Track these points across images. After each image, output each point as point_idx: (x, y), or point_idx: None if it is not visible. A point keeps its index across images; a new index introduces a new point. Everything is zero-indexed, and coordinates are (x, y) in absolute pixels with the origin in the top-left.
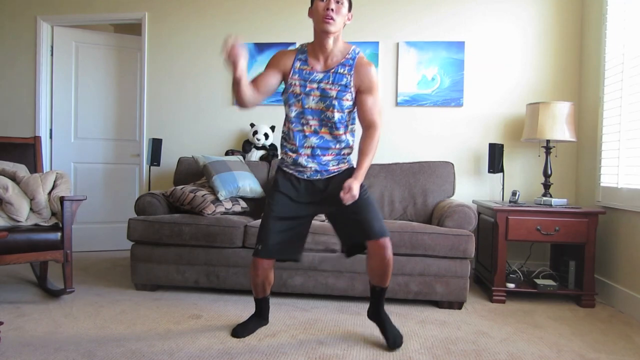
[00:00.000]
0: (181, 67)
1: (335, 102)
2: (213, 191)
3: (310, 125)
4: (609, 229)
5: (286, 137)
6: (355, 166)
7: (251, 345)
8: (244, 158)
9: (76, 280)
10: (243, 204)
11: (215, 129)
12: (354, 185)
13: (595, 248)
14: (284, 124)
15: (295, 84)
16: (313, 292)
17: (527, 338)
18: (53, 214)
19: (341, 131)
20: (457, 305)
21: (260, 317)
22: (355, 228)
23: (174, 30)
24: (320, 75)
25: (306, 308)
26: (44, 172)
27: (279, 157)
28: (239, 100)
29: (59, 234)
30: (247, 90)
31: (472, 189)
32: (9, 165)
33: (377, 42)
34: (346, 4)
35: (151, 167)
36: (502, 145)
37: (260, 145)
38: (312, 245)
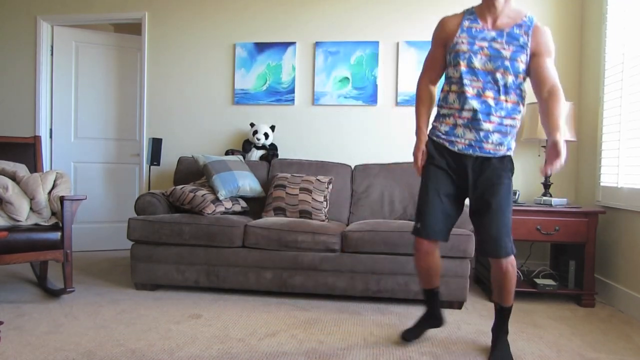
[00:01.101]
0: (181, 66)
1: (508, 64)
2: (213, 191)
3: (474, 87)
4: (609, 228)
5: (444, 101)
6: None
7: (251, 345)
8: (244, 158)
9: (76, 280)
10: (243, 203)
11: (215, 128)
12: (559, 140)
13: (595, 248)
14: (444, 89)
15: (462, 42)
16: (313, 292)
17: (527, 337)
18: (53, 213)
19: (507, 97)
20: (457, 304)
21: (431, 316)
22: (483, 235)
23: (174, 30)
24: (493, 34)
25: (306, 308)
26: (44, 171)
27: (431, 128)
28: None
29: (59, 233)
30: (432, 106)
31: None
32: (9, 165)
33: (377, 42)
34: None
35: (151, 167)
36: None
37: (260, 145)
38: (312, 245)
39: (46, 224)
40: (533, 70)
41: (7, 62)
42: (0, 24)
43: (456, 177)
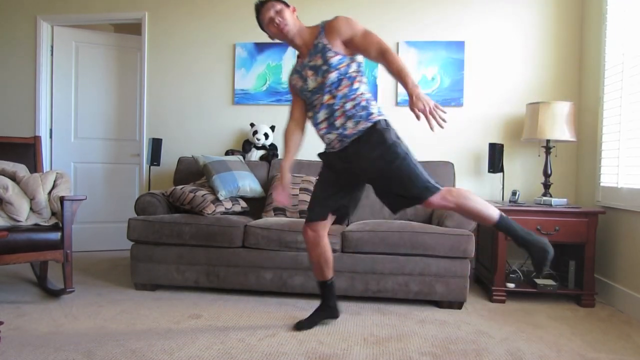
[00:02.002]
0: (181, 66)
1: (325, 67)
2: (213, 191)
3: (317, 100)
4: (609, 228)
5: (312, 124)
6: (379, 120)
7: (251, 345)
8: (244, 158)
9: (76, 280)
10: (243, 203)
11: (215, 128)
12: (418, 101)
13: (595, 248)
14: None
15: (296, 81)
16: (313, 292)
17: (527, 338)
18: (53, 213)
19: (340, 88)
20: (457, 305)
21: (326, 307)
22: (395, 196)
23: (174, 30)
24: (307, 59)
25: (306, 308)
26: (44, 171)
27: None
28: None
29: (59, 233)
30: (298, 143)
31: (472, 189)
32: (9, 165)
33: None
34: (282, 6)
35: (151, 167)
36: (502, 145)
37: (260, 145)
38: None
39: (46, 224)
40: (354, 49)
41: (7, 62)
42: (0, 24)
43: (345, 171)
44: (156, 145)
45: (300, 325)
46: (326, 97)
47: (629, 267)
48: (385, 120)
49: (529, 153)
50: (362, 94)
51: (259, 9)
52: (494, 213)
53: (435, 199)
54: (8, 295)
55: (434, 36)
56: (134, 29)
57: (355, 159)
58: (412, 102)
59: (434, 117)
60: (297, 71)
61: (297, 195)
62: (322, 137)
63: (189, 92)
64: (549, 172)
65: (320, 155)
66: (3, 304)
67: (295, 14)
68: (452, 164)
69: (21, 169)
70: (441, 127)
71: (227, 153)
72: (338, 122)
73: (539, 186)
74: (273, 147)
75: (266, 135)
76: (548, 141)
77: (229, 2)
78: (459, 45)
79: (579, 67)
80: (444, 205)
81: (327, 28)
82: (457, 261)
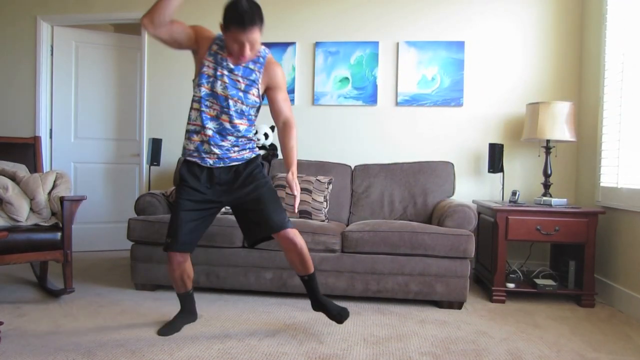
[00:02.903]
0: (181, 66)
1: (242, 95)
2: None
3: (214, 110)
4: (609, 229)
5: (192, 120)
6: (260, 154)
7: (251, 345)
8: None
9: (76, 280)
10: None
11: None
12: (293, 180)
13: (595, 248)
14: (191, 108)
15: (209, 65)
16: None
17: (527, 338)
18: (53, 213)
19: (240, 121)
20: (457, 305)
21: (187, 313)
22: (258, 222)
23: None
24: (232, 66)
25: (306, 308)
26: (44, 172)
27: (183, 148)
28: (155, 14)
29: (59, 234)
30: (169, 14)
31: (472, 189)
32: (9, 165)
33: (377, 42)
34: (258, 36)
35: (151, 167)
36: (502, 145)
37: (260, 145)
38: (312, 245)
39: (46, 224)
40: (269, 102)
41: (7, 62)
42: (0, 24)
43: (209, 189)
44: (156, 145)
45: (163, 331)
46: (224, 116)
47: (629, 267)
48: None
49: (529, 153)
50: (252, 137)
51: (245, 23)
52: (312, 266)
53: (291, 231)
54: (8, 295)
55: (434, 36)
56: (134, 29)
57: (228, 181)
58: (292, 178)
59: (296, 199)
60: (216, 59)
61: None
62: (201, 141)
63: (189, 91)
64: (549, 172)
65: (183, 166)
66: (3, 304)
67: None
68: (452, 164)
69: (21, 169)
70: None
71: None
72: (225, 144)
73: (539, 186)
74: (273, 147)
75: (266, 135)
76: (548, 141)
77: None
78: (459, 45)
79: (579, 67)
80: (294, 240)
81: (267, 65)
82: (457, 261)
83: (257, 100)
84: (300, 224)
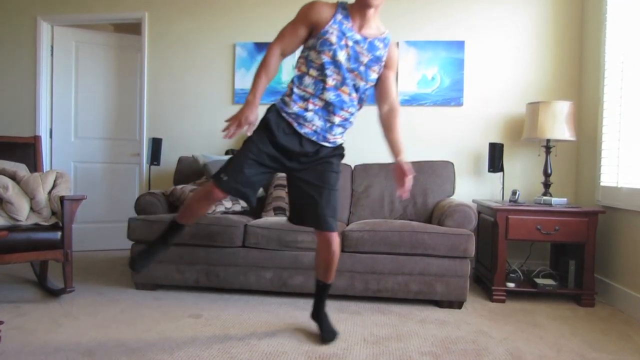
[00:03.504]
0: (181, 66)
1: (363, 69)
2: None
3: (334, 80)
4: (609, 228)
5: (299, 82)
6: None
7: (251, 345)
8: None
9: (76, 280)
10: (243, 203)
11: (215, 128)
12: (407, 164)
13: (595, 247)
14: (305, 73)
15: (332, 32)
16: (313, 292)
17: (527, 337)
18: (53, 213)
19: (356, 96)
20: (457, 304)
21: (166, 243)
22: (310, 208)
23: (173, 30)
24: (358, 37)
25: (306, 308)
26: (44, 171)
27: (281, 100)
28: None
29: (59, 233)
30: (273, 73)
31: (472, 189)
32: (9, 165)
33: None
34: None
35: (151, 167)
36: (502, 145)
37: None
38: (311, 245)
39: (46, 224)
40: (380, 81)
41: (7, 62)
42: (0, 24)
43: (284, 153)
44: (156, 144)
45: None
46: (344, 87)
47: (629, 267)
48: None
49: (529, 152)
50: (352, 121)
51: None
52: (333, 277)
53: (336, 234)
54: (8, 295)
55: (434, 36)
56: (134, 29)
57: (309, 157)
58: (400, 174)
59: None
60: (340, 27)
61: None
62: (306, 109)
63: (189, 91)
64: (549, 171)
65: (272, 113)
66: (3, 304)
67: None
68: (452, 164)
69: (21, 169)
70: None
71: (227, 153)
72: (334, 119)
73: (539, 186)
74: None
75: None
76: (548, 141)
77: (229, 2)
78: (459, 45)
79: (579, 67)
80: (332, 246)
81: (391, 46)
82: (457, 261)
83: (375, 78)
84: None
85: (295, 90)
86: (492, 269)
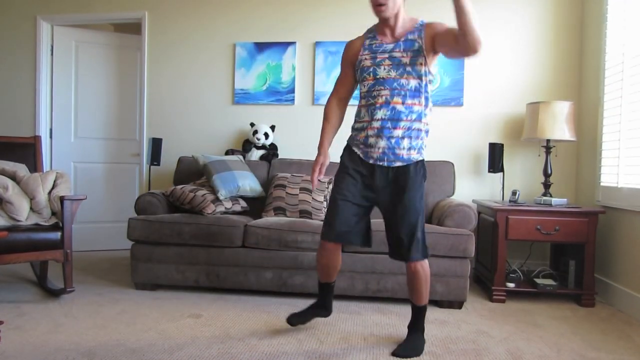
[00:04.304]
0: (181, 66)
1: (410, 69)
2: (213, 190)
3: (382, 96)
4: (609, 228)
5: (357, 116)
6: (424, 160)
7: (251, 345)
8: (244, 157)
9: (76, 280)
10: (243, 203)
11: (215, 128)
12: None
13: (595, 247)
14: (359, 105)
15: (365, 58)
16: (313, 291)
17: (527, 337)
18: (53, 213)
19: (414, 101)
20: (457, 304)
21: (320, 307)
22: (392, 241)
23: (173, 30)
24: (391, 46)
25: None
26: (44, 171)
27: (350, 137)
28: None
29: (59, 233)
30: (338, 123)
31: (472, 189)
32: (9, 165)
33: None
34: None
35: (151, 167)
36: (502, 145)
37: (260, 145)
38: (311, 245)
39: (46, 224)
40: (444, 42)
41: (7, 62)
42: (0, 24)
43: (368, 185)
44: (156, 145)
45: (292, 320)
46: (396, 98)
47: (629, 267)
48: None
49: (529, 153)
50: (427, 123)
51: None
52: (426, 299)
53: (422, 263)
54: (8, 295)
55: None
56: (134, 28)
57: (385, 182)
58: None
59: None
60: (371, 48)
61: (297, 195)
62: (367, 136)
63: (189, 91)
64: (549, 171)
65: (347, 151)
66: (3, 304)
67: None
68: (452, 164)
69: (21, 169)
70: None
71: (227, 153)
72: (396, 133)
73: (539, 186)
74: (273, 146)
75: (266, 135)
76: (548, 141)
77: (229, 1)
78: None
79: (579, 67)
80: (420, 272)
81: (426, 27)
82: (457, 261)
83: (428, 70)
84: (300, 224)
85: (355, 125)
86: (492, 269)
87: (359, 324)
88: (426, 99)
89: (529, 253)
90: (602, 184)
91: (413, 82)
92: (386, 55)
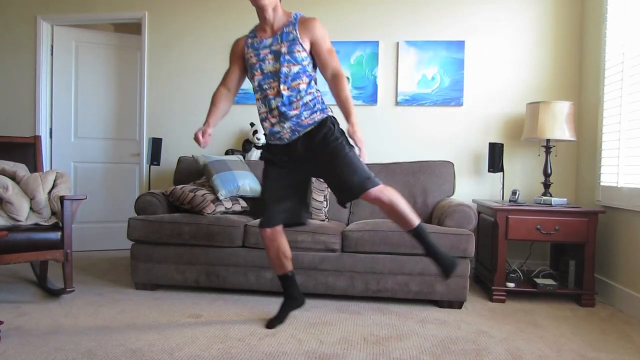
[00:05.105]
0: (181, 66)
1: (289, 57)
2: (213, 190)
3: (273, 88)
4: (609, 228)
5: (259, 110)
6: (330, 115)
7: (251, 345)
8: (244, 157)
9: (76, 280)
10: (243, 203)
11: (215, 128)
12: (356, 132)
13: (595, 247)
14: (256, 100)
15: (251, 56)
16: (313, 291)
17: (527, 337)
18: (53, 213)
19: (298, 81)
20: (457, 304)
21: (290, 300)
22: (341, 188)
23: (173, 30)
24: (270, 40)
25: (306, 308)
26: (44, 171)
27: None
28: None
29: (59, 233)
30: (224, 109)
31: (472, 189)
32: (9, 165)
33: (377, 42)
34: None
35: (151, 167)
36: (502, 145)
37: (260, 145)
38: (311, 245)
39: (46, 224)
40: (315, 57)
41: (7, 62)
42: (1, 24)
43: (293, 160)
44: (156, 144)
45: (271, 324)
46: (282, 86)
47: (629, 267)
48: (334, 115)
49: (529, 153)
50: (317, 90)
51: None
52: (415, 219)
53: (374, 191)
54: (8, 295)
55: (434, 36)
56: (134, 28)
57: (306, 150)
58: (353, 130)
59: (362, 152)
60: (254, 46)
61: None
62: (271, 124)
63: (189, 91)
64: (549, 171)
65: (263, 149)
66: (3, 304)
67: None
68: (452, 164)
69: (21, 169)
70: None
71: (227, 153)
72: (293, 112)
73: (539, 186)
74: None
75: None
76: (548, 141)
77: (229, 2)
78: (459, 44)
79: (579, 67)
80: (380, 198)
81: (301, 22)
82: (457, 261)
83: (306, 54)
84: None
85: (259, 117)
86: (492, 269)
87: (359, 324)
88: (309, 76)
89: (529, 253)
90: (602, 183)
91: (295, 68)
92: (268, 50)
